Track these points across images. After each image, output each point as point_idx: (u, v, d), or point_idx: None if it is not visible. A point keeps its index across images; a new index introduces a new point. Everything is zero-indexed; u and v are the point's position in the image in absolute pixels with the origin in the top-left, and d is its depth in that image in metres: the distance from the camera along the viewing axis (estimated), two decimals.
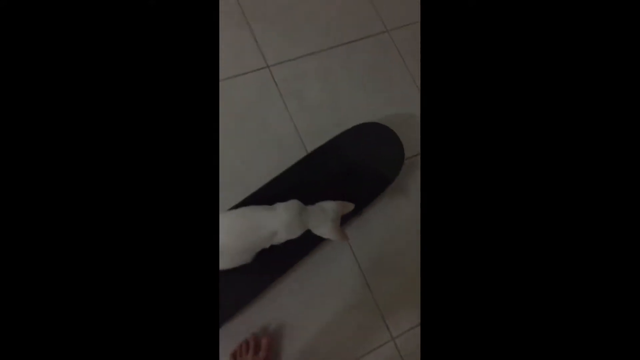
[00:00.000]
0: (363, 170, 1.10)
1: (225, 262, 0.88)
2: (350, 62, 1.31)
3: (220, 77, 1.19)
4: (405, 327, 1.08)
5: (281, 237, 0.87)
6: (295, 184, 1.04)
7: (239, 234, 0.85)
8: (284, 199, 0.90)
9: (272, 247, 0.89)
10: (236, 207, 0.97)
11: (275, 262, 0.98)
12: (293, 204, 0.88)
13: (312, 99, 1.24)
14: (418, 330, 1.07)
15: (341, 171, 1.09)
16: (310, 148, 1.16)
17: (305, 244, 0.97)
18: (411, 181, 1.20)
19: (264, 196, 0.99)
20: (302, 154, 1.14)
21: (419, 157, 1.21)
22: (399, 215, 1.16)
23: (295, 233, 0.87)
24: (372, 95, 1.28)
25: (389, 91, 1.29)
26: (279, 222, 0.85)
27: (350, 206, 0.92)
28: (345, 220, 1.00)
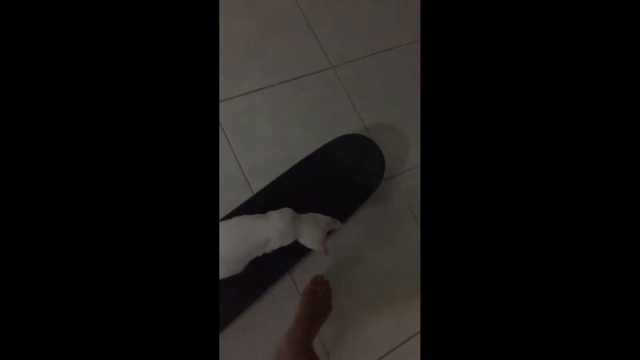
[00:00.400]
0: (346, 180, 1.13)
1: (223, 270, 0.87)
2: (297, 98, 1.28)
3: None
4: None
5: (274, 245, 0.87)
6: (280, 195, 1.05)
7: (235, 242, 0.84)
8: (273, 208, 0.92)
9: (264, 255, 0.90)
10: (226, 217, 0.99)
11: (267, 270, 1.00)
12: (286, 212, 0.88)
13: (258, 135, 1.21)
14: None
15: (325, 182, 1.11)
16: (255, 187, 1.13)
17: (293, 254, 0.99)
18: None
19: (254, 206, 1.02)
20: (247, 193, 1.12)
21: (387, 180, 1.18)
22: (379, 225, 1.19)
23: (288, 240, 0.87)
24: (320, 131, 1.24)
25: (334, 125, 1.24)
26: (272, 229, 0.85)
27: (338, 224, 0.93)
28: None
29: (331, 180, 1.12)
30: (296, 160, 1.13)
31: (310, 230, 0.87)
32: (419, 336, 1.11)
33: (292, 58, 1.33)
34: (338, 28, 1.41)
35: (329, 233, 0.93)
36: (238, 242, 0.84)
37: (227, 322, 0.97)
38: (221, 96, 1.22)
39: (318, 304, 0.97)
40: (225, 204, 1.05)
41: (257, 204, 0.99)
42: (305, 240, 0.88)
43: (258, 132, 1.21)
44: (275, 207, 0.90)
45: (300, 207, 0.92)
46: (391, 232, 1.20)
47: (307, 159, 1.13)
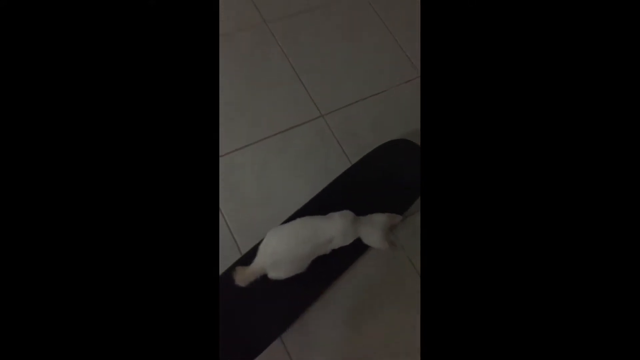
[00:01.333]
0: (397, 181, 1.18)
1: (285, 269, 0.92)
2: (286, 150, 1.26)
3: None
4: None
5: (337, 243, 0.94)
6: (337, 199, 1.08)
7: (302, 240, 0.91)
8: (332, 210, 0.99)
9: (325, 255, 0.96)
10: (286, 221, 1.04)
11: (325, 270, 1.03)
12: (347, 213, 0.96)
13: (246, 193, 1.18)
14: None
15: (377, 184, 1.17)
16: (244, 246, 1.08)
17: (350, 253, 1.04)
18: None
19: (311, 210, 1.06)
20: (235, 254, 1.07)
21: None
22: None
23: (349, 240, 0.95)
24: (311, 180, 1.20)
25: (326, 173, 1.20)
26: (335, 229, 0.93)
27: (398, 218, 1.02)
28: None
29: (380, 181, 1.18)
30: (288, 215, 1.08)
31: (369, 231, 0.96)
32: None
33: (281, 110, 1.32)
34: (326, 76, 1.42)
35: (392, 228, 1.02)
36: (306, 240, 0.91)
37: (294, 319, 0.99)
38: None
39: None
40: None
41: (312, 210, 1.05)
42: (368, 240, 0.98)
43: (246, 190, 1.18)
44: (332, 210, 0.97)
45: (356, 210, 0.99)
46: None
47: (352, 167, 1.20)
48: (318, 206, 1.09)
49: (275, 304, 0.98)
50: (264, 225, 1.06)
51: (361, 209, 1.00)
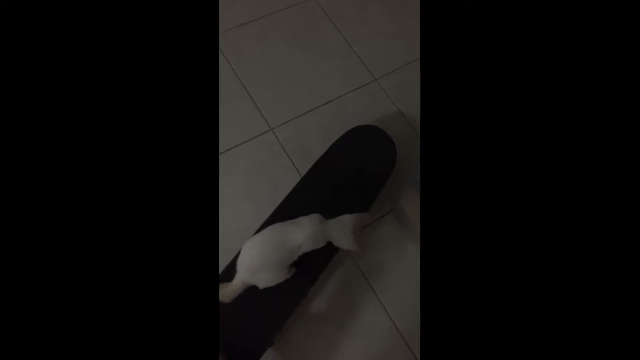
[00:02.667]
0: (362, 171, 1.16)
1: (270, 278, 0.94)
2: (234, 169, 1.23)
3: None
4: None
5: (307, 248, 0.94)
6: (302, 203, 1.09)
7: (274, 248, 0.92)
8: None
9: (300, 260, 0.96)
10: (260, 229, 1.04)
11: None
12: (315, 217, 0.96)
13: None
14: None
15: (343, 178, 1.15)
16: None
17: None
18: None
19: (282, 216, 1.05)
20: None
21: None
22: None
23: (319, 244, 0.95)
24: (258, 203, 1.18)
25: (276, 192, 1.18)
26: (303, 234, 0.93)
27: (367, 217, 1.01)
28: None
29: (345, 177, 1.16)
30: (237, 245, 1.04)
31: (339, 232, 0.95)
32: None
33: (229, 125, 1.29)
34: (275, 89, 1.38)
35: (365, 227, 1.00)
36: (275, 248, 0.92)
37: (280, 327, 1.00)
38: None
39: None
40: None
41: (283, 215, 1.04)
42: (338, 243, 0.97)
43: None
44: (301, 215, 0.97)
45: (327, 210, 0.99)
46: None
47: (316, 164, 1.18)
48: (289, 207, 1.08)
49: (258, 318, 0.99)
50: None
51: (331, 206, 1.01)
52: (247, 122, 1.31)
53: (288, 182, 1.18)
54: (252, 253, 0.92)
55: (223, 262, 1.04)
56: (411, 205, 1.11)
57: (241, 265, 0.93)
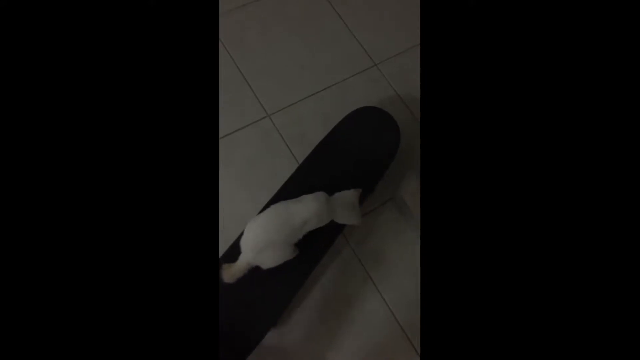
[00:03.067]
0: (363, 156, 1.15)
1: (273, 258, 0.93)
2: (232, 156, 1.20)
3: None
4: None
5: (311, 226, 0.93)
6: (302, 190, 1.04)
7: (277, 227, 0.91)
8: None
9: (305, 238, 0.95)
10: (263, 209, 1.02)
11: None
12: (320, 195, 0.95)
13: None
14: None
15: (343, 163, 1.14)
16: None
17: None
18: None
19: (284, 195, 1.03)
20: None
21: None
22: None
23: (324, 221, 0.95)
24: (255, 190, 1.16)
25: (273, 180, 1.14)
26: (308, 211, 0.92)
27: (359, 191, 1.00)
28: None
29: (346, 162, 1.14)
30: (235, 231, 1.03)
31: (344, 208, 0.96)
32: None
33: (225, 111, 1.26)
34: (273, 75, 1.35)
35: (361, 202, 1.02)
36: (280, 227, 0.90)
37: (281, 311, 0.99)
38: None
39: None
40: None
41: (285, 196, 1.02)
42: (344, 219, 0.97)
43: None
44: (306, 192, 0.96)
45: (331, 188, 0.99)
46: None
47: (316, 149, 1.16)
48: (287, 194, 1.05)
49: (261, 298, 0.98)
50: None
51: (331, 192, 0.99)
52: (243, 108, 1.28)
53: (285, 169, 1.15)
54: (257, 232, 0.90)
55: (220, 250, 1.02)
56: (411, 193, 1.09)
57: (245, 245, 0.91)
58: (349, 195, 0.98)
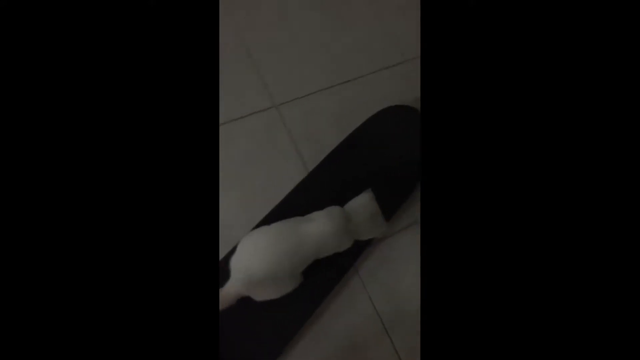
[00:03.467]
0: (392, 159, 0.95)
1: (269, 290, 0.76)
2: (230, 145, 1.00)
3: None
4: None
5: (327, 251, 0.76)
6: (319, 193, 0.90)
7: (280, 258, 0.72)
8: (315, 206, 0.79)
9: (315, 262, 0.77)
10: (258, 225, 0.85)
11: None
12: (335, 210, 0.76)
13: None
14: None
15: (362, 175, 0.93)
16: None
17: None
18: None
19: (289, 208, 0.87)
20: None
21: None
22: None
23: (344, 245, 0.77)
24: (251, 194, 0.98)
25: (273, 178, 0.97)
26: (323, 234, 0.73)
27: (371, 193, 0.81)
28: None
29: (365, 174, 0.93)
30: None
31: (372, 225, 0.78)
32: None
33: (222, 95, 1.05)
34: (285, 57, 1.14)
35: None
36: (286, 256, 0.72)
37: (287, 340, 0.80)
38: None
39: None
40: None
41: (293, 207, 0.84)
42: (365, 234, 0.79)
43: None
44: (316, 204, 0.77)
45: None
46: None
47: (337, 148, 0.97)
48: (291, 205, 0.87)
49: (255, 332, 0.78)
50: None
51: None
52: (245, 93, 1.07)
53: (290, 174, 0.96)
54: (254, 260, 0.72)
55: None
56: None
57: (237, 271, 0.72)
58: (366, 203, 0.78)
